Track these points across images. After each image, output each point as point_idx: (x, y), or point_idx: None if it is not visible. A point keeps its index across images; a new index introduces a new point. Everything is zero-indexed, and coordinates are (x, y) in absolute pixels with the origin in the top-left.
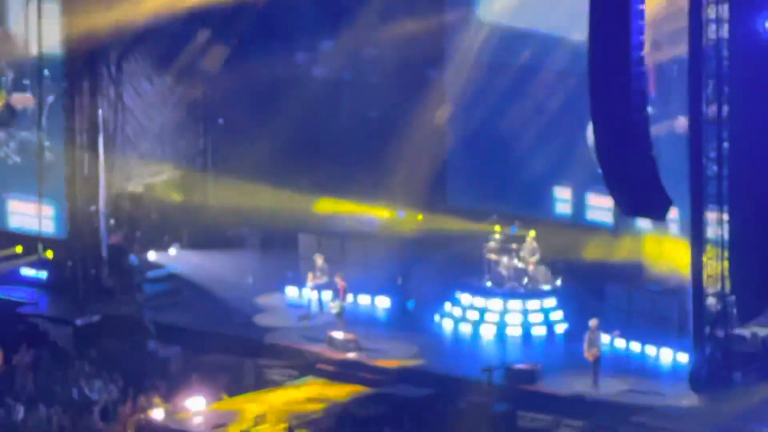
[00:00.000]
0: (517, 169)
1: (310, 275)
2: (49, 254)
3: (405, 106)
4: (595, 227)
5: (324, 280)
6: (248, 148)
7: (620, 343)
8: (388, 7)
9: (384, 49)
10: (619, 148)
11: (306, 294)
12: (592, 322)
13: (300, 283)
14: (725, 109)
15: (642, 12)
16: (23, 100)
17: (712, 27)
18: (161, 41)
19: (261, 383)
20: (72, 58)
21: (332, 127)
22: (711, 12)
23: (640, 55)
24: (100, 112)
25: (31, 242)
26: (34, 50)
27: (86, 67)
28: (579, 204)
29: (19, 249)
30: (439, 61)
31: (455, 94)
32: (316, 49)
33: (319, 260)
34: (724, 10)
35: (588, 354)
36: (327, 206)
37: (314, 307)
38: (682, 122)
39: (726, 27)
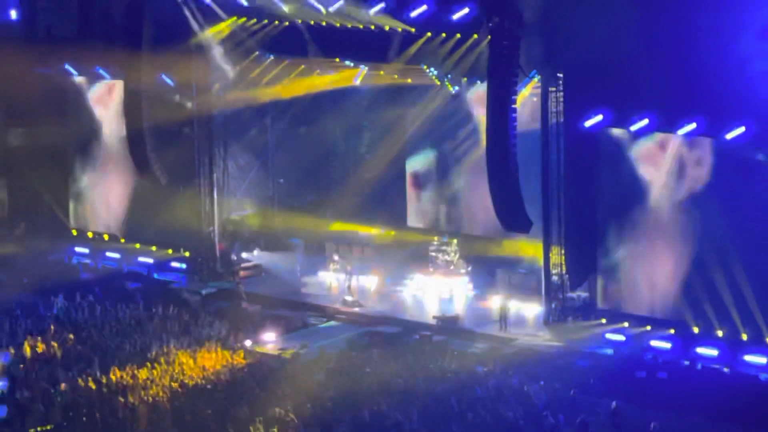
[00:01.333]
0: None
1: (330, 265)
2: (187, 254)
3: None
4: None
5: (338, 267)
6: (297, 194)
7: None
8: None
9: None
10: (502, 192)
11: (329, 275)
12: (499, 296)
13: (326, 269)
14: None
15: (515, 110)
16: None
17: (553, 120)
18: (244, 130)
19: (304, 325)
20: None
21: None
22: (553, 110)
23: (514, 133)
24: (215, 175)
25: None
26: None
27: (206, 148)
28: None
29: (170, 250)
30: None
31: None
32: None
33: (335, 256)
34: (561, 111)
35: (496, 312)
36: (339, 226)
37: (334, 282)
38: None
39: (562, 120)
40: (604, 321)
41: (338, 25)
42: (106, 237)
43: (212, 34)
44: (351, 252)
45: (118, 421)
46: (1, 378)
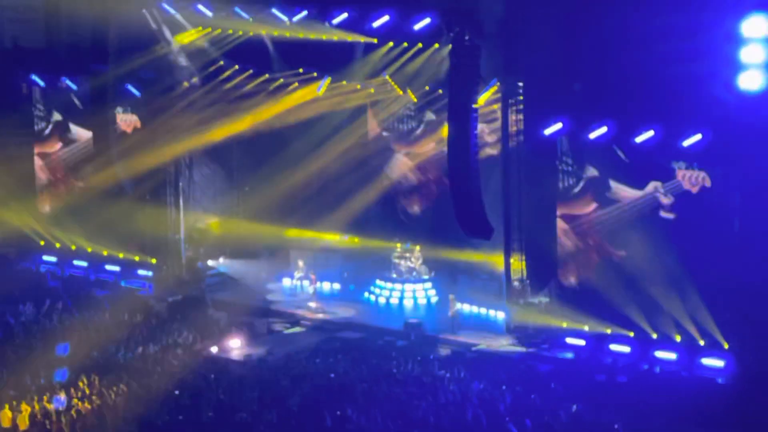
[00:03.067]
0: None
1: (295, 273)
2: (154, 261)
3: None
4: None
5: (302, 274)
6: (260, 203)
7: (466, 306)
8: None
9: None
10: (463, 201)
11: (293, 282)
12: (451, 296)
13: (290, 276)
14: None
15: (476, 118)
16: None
17: (514, 128)
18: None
19: (270, 332)
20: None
21: (304, 187)
22: (513, 119)
23: (475, 141)
24: (180, 184)
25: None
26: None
27: (172, 160)
28: None
29: (136, 258)
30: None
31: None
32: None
33: (300, 263)
34: (521, 119)
35: (450, 313)
36: (304, 234)
37: (298, 289)
38: None
39: (522, 128)
40: (564, 325)
41: (301, 36)
42: (73, 247)
43: (177, 44)
44: (315, 258)
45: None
46: None
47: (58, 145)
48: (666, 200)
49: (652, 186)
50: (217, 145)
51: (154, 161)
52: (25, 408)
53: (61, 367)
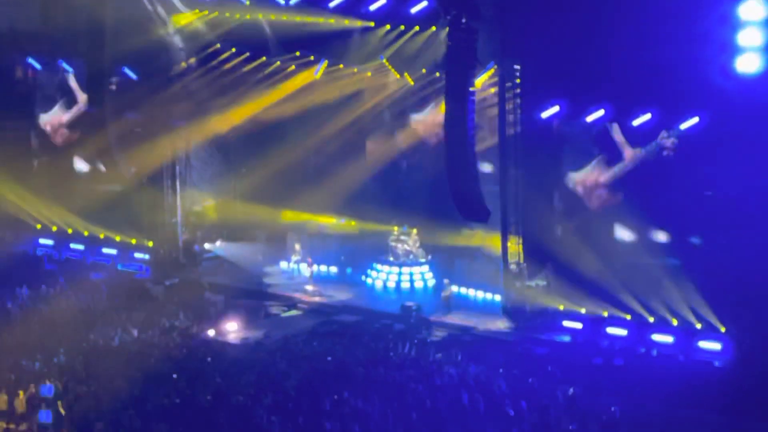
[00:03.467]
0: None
1: (292, 255)
2: (150, 244)
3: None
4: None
5: (299, 257)
6: (256, 186)
7: (463, 289)
8: None
9: None
10: (460, 184)
11: (290, 265)
12: (446, 280)
13: (287, 259)
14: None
15: (473, 101)
16: None
17: (511, 111)
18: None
19: (267, 315)
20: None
21: (301, 169)
22: (510, 105)
23: (472, 124)
24: (177, 167)
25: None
26: None
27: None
28: None
29: (133, 240)
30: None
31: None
32: None
33: (297, 246)
34: (518, 104)
35: (443, 296)
36: (301, 217)
37: (295, 272)
38: None
39: (519, 111)
40: (561, 308)
41: (298, 20)
42: (69, 231)
43: (173, 26)
44: (312, 241)
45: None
46: None
47: (56, 126)
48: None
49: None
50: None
51: (152, 151)
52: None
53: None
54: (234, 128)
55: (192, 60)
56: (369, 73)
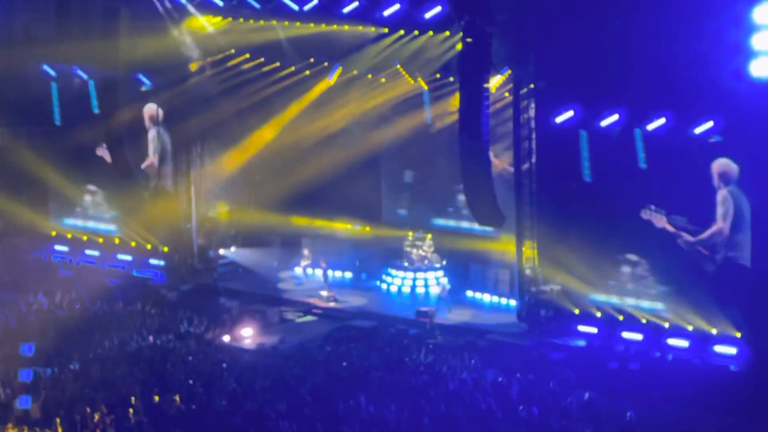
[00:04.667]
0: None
1: (302, 260)
2: (166, 249)
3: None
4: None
5: (309, 262)
6: (271, 192)
7: (478, 294)
8: None
9: None
10: (475, 188)
11: (301, 270)
12: (443, 280)
13: (299, 265)
14: (534, 166)
15: (488, 106)
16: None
17: (525, 116)
18: (223, 133)
19: (282, 321)
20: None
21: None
22: (524, 105)
23: (487, 130)
24: (192, 174)
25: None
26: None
27: (184, 149)
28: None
29: (149, 246)
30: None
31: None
32: None
33: (306, 251)
34: (533, 107)
35: (438, 296)
36: (316, 223)
37: (307, 277)
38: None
39: (534, 116)
40: (576, 312)
41: (312, 26)
42: (84, 237)
43: (187, 31)
44: (327, 246)
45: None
46: None
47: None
48: None
49: None
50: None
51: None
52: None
53: (25, 367)
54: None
55: (206, 60)
56: (383, 79)
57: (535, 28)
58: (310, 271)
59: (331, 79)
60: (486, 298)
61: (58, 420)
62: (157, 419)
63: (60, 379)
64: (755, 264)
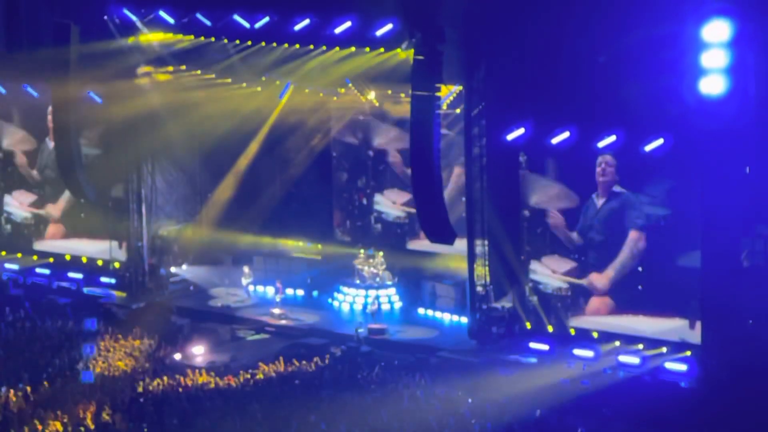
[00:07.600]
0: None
1: (242, 278)
2: (117, 265)
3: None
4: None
5: (251, 279)
6: (222, 209)
7: (430, 312)
8: None
9: None
10: (426, 205)
11: (243, 288)
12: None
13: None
14: (485, 182)
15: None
16: None
17: (476, 132)
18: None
19: (233, 338)
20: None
21: (268, 192)
22: (475, 123)
23: (438, 146)
24: (143, 191)
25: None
26: None
27: (134, 167)
28: None
29: (100, 262)
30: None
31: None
32: None
33: (246, 269)
34: (483, 124)
35: (369, 310)
36: (267, 240)
37: (250, 295)
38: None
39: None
40: (528, 326)
41: (264, 44)
42: (35, 258)
43: (137, 49)
44: (278, 264)
45: None
46: None
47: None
48: None
49: None
50: (179, 150)
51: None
52: None
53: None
54: (199, 149)
55: (156, 77)
56: (335, 98)
57: (486, 45)
58: (251, 288)
59: (283, 98)
60: (438, 315)
61: None
62: None
63: (8, 398)
64: (705, 283)
